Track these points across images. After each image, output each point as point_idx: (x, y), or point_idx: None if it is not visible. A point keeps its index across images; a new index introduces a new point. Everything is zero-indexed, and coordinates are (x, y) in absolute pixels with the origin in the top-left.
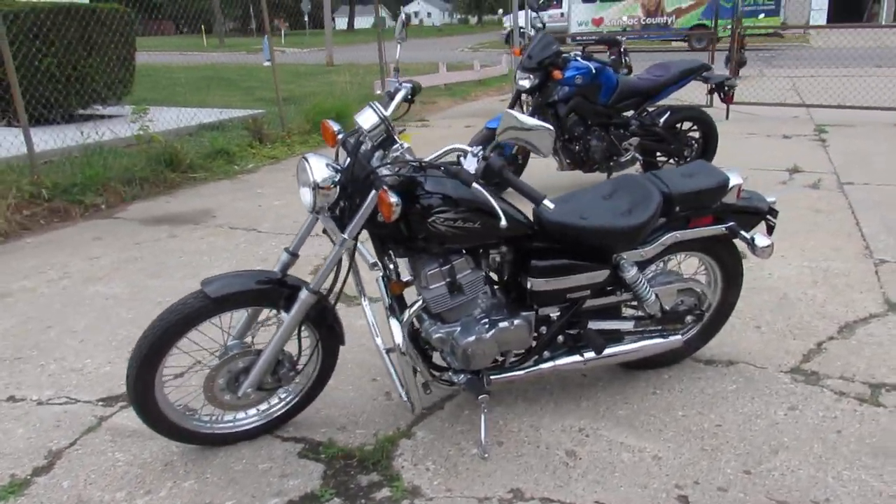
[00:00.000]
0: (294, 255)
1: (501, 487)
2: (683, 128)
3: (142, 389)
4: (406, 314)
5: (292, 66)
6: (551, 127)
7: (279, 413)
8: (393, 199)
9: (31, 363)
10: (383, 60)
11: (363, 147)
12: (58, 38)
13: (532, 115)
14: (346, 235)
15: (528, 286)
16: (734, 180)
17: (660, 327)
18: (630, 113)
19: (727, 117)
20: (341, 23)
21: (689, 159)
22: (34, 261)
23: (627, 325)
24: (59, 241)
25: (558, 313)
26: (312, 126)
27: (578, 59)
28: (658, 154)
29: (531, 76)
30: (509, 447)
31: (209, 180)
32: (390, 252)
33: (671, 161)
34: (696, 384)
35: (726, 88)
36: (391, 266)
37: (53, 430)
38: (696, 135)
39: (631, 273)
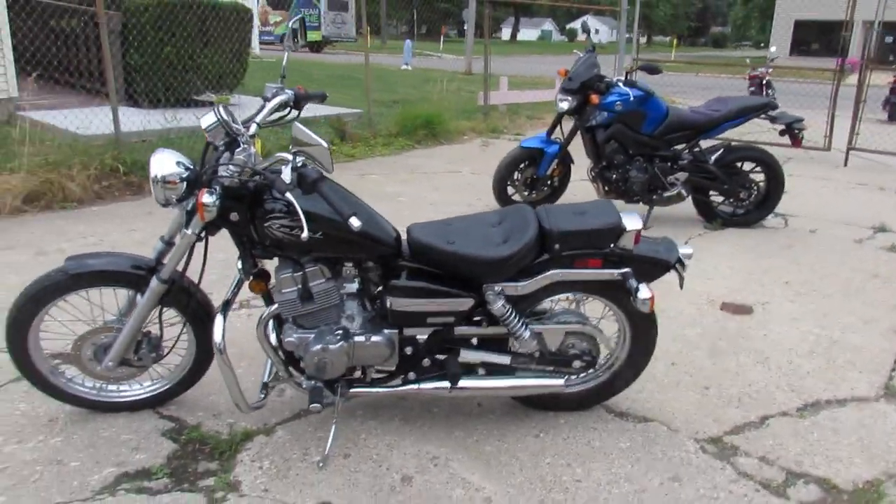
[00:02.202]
0: (169, 244)
1: (313, 498)
2: (745, 168)
3: (17, 353)
4: (265, 313)
5: (425, 72)
6: (325, 143)
7: (159, 391)
8: (207, 199)
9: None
10: (488, 72)
11: (219, 149)
12: (178, 29)
13: (568, 138)
14: (188, 230)
15: (388, 304)
16: (631, 225)
17: (544, 367)
18: (681, 146)
19: (846, 163)
20: (506, 33)
21: (746, 202)
22: (84, 227)
23: (504, 360)
24: (117, 212)
25: (425, 336)
26: (400, 130)
27: (621, 84)
28: (712, 193)
29: (570, 98)
30: (351, 461)
31: None
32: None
33: (728, 202)
34: (587, 435)
35: (796, 131)
36: (248, 264)
37: None
38: (760, 177)
39: (497, 305)
